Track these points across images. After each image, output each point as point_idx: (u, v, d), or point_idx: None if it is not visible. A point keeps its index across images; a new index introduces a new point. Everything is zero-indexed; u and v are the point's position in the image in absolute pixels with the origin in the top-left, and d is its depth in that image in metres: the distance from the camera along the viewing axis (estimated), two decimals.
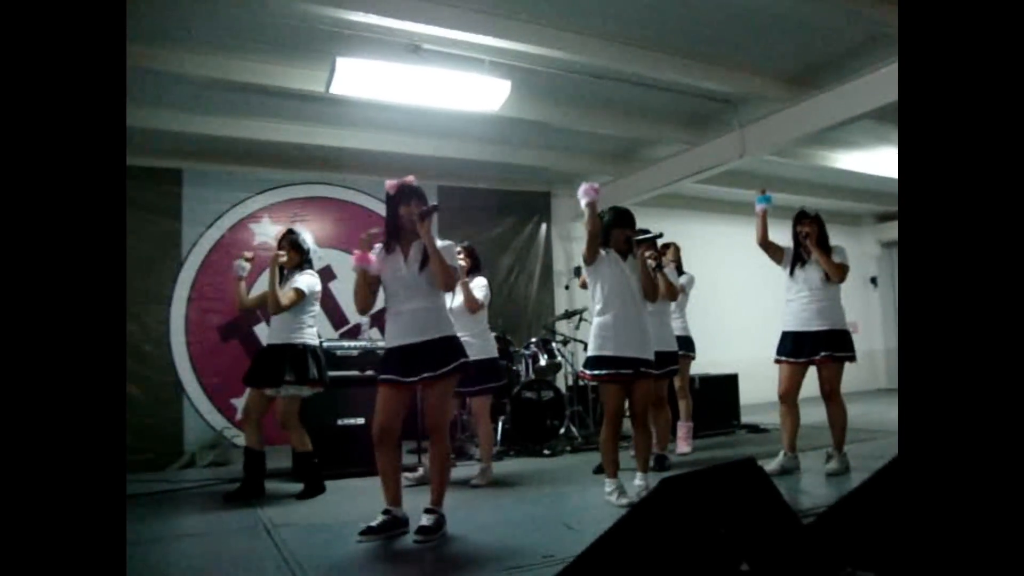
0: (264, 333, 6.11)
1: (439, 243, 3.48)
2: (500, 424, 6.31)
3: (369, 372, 5.47)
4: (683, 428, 5.91)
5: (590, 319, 4.26)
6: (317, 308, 4.79)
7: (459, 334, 3.70)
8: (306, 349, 4.60)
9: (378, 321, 6.99)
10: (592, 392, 6.92)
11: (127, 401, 6.41)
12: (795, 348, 4.65)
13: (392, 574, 3.17)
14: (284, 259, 4.61)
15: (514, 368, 6.65)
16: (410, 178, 3.60)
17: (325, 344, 5.25)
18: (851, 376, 4.89)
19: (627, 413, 4.20)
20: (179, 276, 7.04)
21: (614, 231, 4.15)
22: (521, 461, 5.85)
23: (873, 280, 12.11)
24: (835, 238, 4.81)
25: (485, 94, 5.61)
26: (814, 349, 4.58)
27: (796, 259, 4.74)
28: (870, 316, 11.91)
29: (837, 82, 5.89)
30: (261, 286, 4.91)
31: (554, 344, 6.92)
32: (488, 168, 8.25)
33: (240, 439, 6.72)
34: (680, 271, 5.94)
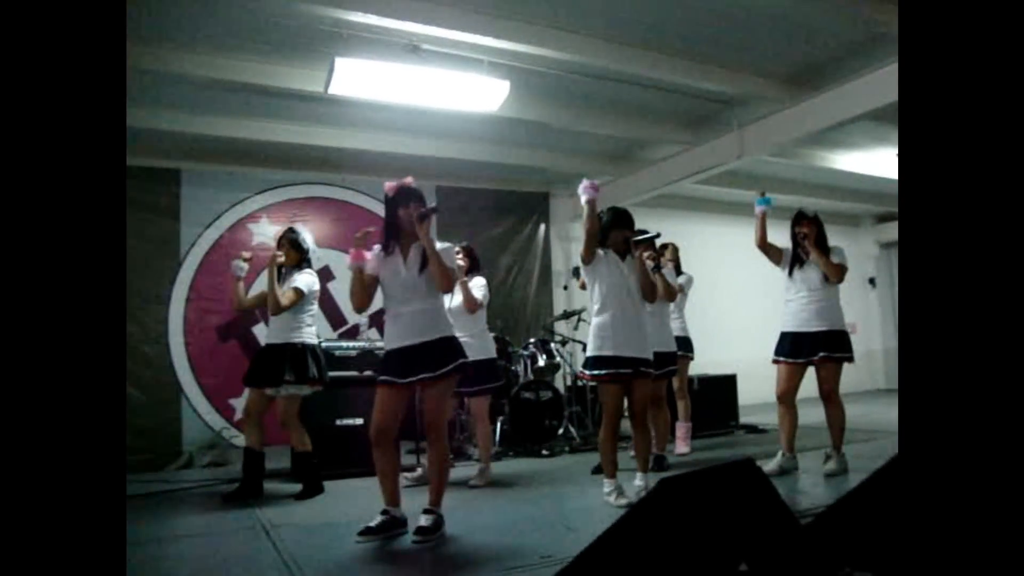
0: (263, 333, 6.11)
1: (438, 245, 3.48)
2: (499, 425, 6.32)
3: (368, 372, 5.47)
4: (682, 428, 5.91)
5: (589, 319, 4.26)
6: (316, 307, 4.79)
7: (457, 334, 3.70)
8: (305, 348, 4.61)
9: (377, 321, 6.99)
10: (591, 392, 6.92)
11: (126, 401, 6.41)
12: (793, 349, 4.65)
13: (391, 574, 3.17)
14: (282, 259, 4.61)
15: (512, 368, 6.65)
16: (409, 179, 3.59)
17: (324, 344, 5.24)
18: (849, 376, 4.89)
19: (626, 413, 4.20)
20: (177, 276, 7.03)
21: (612, 231, 4.15)
22: (520, 461, 5.85)
23: (872, 281, 12.12)
24: (834, 239, 4.81)
25: (484, 94, 5.61)
26: (812, 350, 4.58)
27: (795, 260, 4.74)
28: (869, 317, 11.93)
29: (836, 83, 5.90)
30: (259, 286, 4.91)
31: (553, 344, 6.92)
32: (487, 168, 8.25)
33: (238, 439, 6.74)
34: (679, 271, 5.94)
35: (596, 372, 4.04)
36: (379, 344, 5.18)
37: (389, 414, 3.48)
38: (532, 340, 6.93)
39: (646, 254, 4.20)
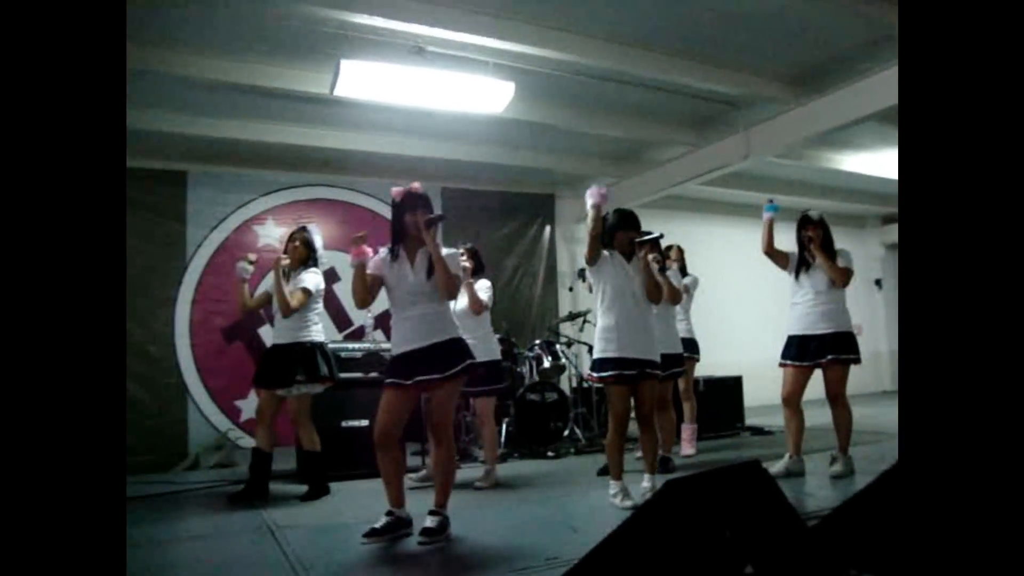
0: (268, 334, 6.11)
1: (443, 251, 3.49)
2: (504, 426, 6.31)
3: (373, 374, 5.48)
4: (687, 430, 5.90)
5: (594, 321, 4.26)
6: (321, 306, 4.81)
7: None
8: (314, 346, 4.63)
9: (382, 323, 6.99)
10: (596, 394, 6.92)
11: (132, 403, 6.43)
12: (800, 352, 4.64)
13: None
14: (286, 262, 4.62)
15: (518, 370, 6.65)
16: (416, 185, 3.60)
17: (329, 346, 5.25)
18: (856, 378, 4.88)
19: (632, 415, 4.19)
20: (183, 278, 7.05)
21: (618, 233, 4.14)
22: (525, 463, 5.85)
23: (878, 282, 12.07)
24: (839, 240, 4.80)
25: (489, 96, 5.61)
26: (819, 352, 4.57)
27: (801, 263, 4.73)
28: (874, 318, 11.89)
29: (841, 84, 5.88)
30: (264, 287, 4.92)
31: (558, 346, 6.92)
32: (492, 170, 8.25)
33: (244, 441, 6.76)
34: (684, 273, 5.94)
35: (602, 374, 4.03)
36: (385, 346, 5.18)
37: (395, 417, 3.48)
38: (537, 342, 6.92)
39: (651, 255, 4.20)
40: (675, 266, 5.74)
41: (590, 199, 3.95)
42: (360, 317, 7.21)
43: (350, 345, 5.96)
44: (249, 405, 7.01)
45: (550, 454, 6.07)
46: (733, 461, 2.36)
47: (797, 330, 4.71)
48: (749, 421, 7.34)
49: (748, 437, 7.01)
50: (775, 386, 4.84)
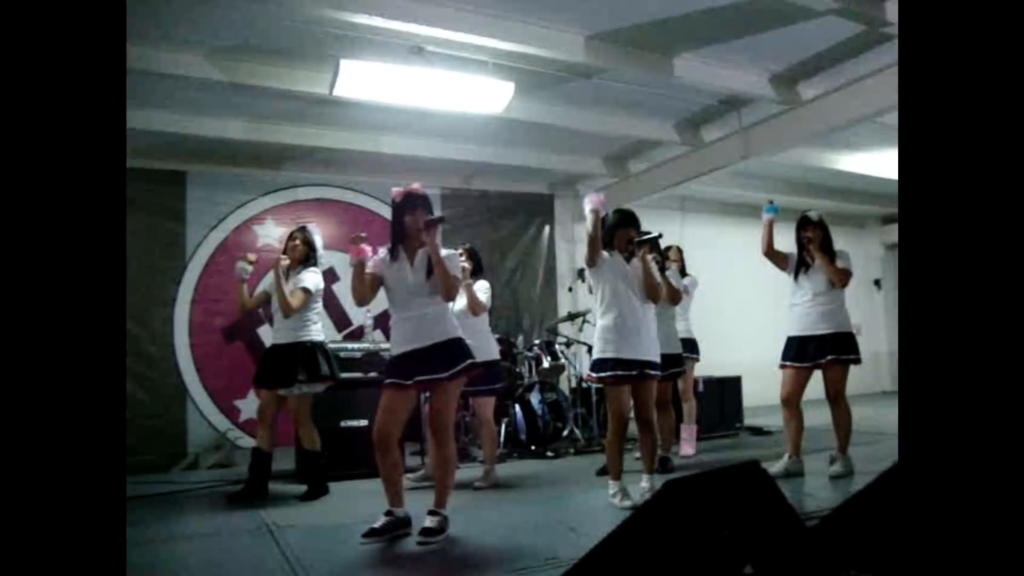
0: (268, 334, 6.12)
1: (443, 252, 3.49)
2: (503, 426, 6.31)
3: (373, 374, 5.47)
4: (687, 430, 5.90)
5: (593, 321, 4.26)
6: (320, 305, 4.82)
7: None
8: (315, 346, 4.64)
9: (381, 323, 6.99)
10: (595, 394, 6.92)
11: (131, 403, 6.42)
12: (799, 352, 4.65)
13: None
14: (286, 263, 4.62)
15: (517, 370, 6.65)
16: (416, 186, 3.60)
17: (329, 346, 5.25)
18: (855, 379, 4.88)
19: (632, 415, 4.19)
20: (183, 278, 7.04)
21: (618, 232, 4.15)
22: (524, 463, 5.85)
23: (877, 282, 12.07)
24: (839, 240, 4.81)
25: (488, 96, 5.61)
26: (819, 352, 4.57)
27: (800, 264, 4.73)
28: (874, 318, 11.88)
29: (841, 84, 5.88)
30: (262, 287, 4.92)
31: (557, 346, 6.92)
32: (491, 170, 8.24)
33: (243, 440, 6.75)
34: (683, 273, 5.94)
35: (601, 374, 4.04)
36: (384, 346, 5.18)
37: (394, 417, 3.48)
38: (537, 342, 6.93)
39: (650, 255, 4.20)
40: (674, 267, 5.74)
41: (589, 204, 3.95)
42: (359, 317, 7.21)
43: (349, 345, 5.96)
44: (248, 405, 7.00)
45: (549, 454, 6.07)
46: (732, 461, 2.36)
47: (797, 331, 4.71)
48: (748, 421, 7.35)
49: (747, 437, 7.01)
50: (774, 386, 4.84)
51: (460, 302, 4.75)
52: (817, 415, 5.23)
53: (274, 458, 4.76)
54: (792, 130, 6.52)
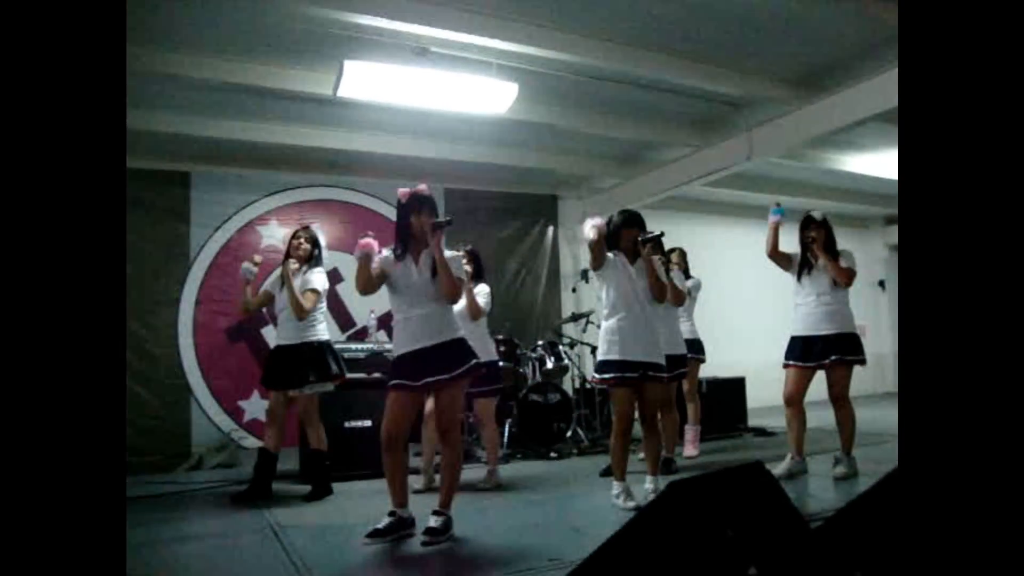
0: (271, 335, 6.13)
1: (447, 254, 3.49)
2: (507, 427, 6.31)
3: (377, 374, 5.48)
4: (691, 431, 5.90)
5: (597, 322, 4.26)
6: (325, 305, 4.83)
7: None
8: (322, 345, 4.66)
9: (385, 324, 7.00)
10: (599, 395, 6.92)
11: (135, 403, 6.44)
12: (804, 352, 4.64)
13: None
14: (295, 266, 4.62)
15: (520, 371, 6.65)
16: (422, 187, 3.61)
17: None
18: (859, 380, 4.87)
19: (636, 416, 4.19)
20: (187, 278, 7.06)
21: (623, 231, 4.14)
22: (528, 464, 5.85)
23: (881, 283, 12.04)
24: (843, 241, 4.80)
25: (492, 97, 5.61)
26: (824, 353, 4.56)
27: (804, 264, 4.73)
28: (878, 319, 11.86)
29: (845, 84, 5.87)
30: (264, 287, 4.92)
31: (561, 347, 6.92)
32: (495, 171, 8.25)
33: (247, 441, 6.77)
34: (687, 275, 5.93)
35: (604, 376, 4.04)
36: (388, 346, 5.19)
37: (401, 418, 3.48)
38: (540, 343, 6.92)
39: (655, 256, 4.19)
40: (677, 268, 5.74)
41: (591, 233, 3.90)
42: (363, 318, 7.22)
43: (353, 346, 5.97)
44: (252, 405, 7.02)
45: (553, 455, 6.07)
46: (736, 462, 2.36)
47: (801, 331, 4.70)
48: (752, 422, 7.34)
49: (751, 438, 7.00)
50: (778, 387, 4.83)
51: (459, 304, 4.75)
52: (821, 416, 5.22)
53: (279, 459, 4.77)
54: (796, 131, 6.51)
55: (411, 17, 4.68)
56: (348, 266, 7.32)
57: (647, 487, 4.10)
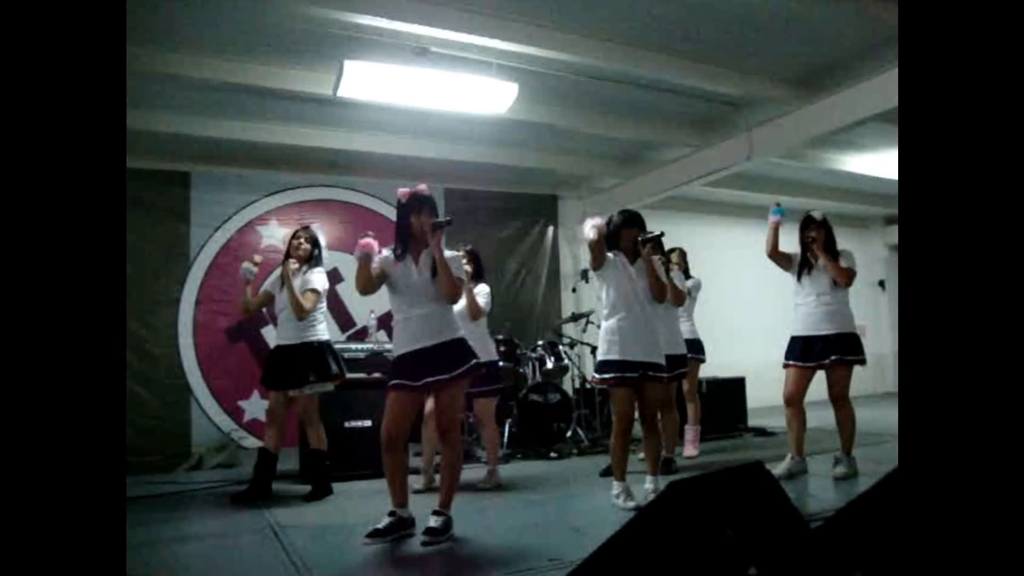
0: (271, 335, 6.13)
1: (447, 254, 3.49)
2: (507, 427, 6.31)
3: (377, 374, 5.48)
4: (690, 431, 5.90)
5: (597, 322, 4.26)
6: (325, 305, 4.83)
7: None
8: (322, 345, 4.66)
9: (385, 324, 7.00)
10: (599, 395, 6.92)
11: (135, 403, 6.45)
12: (804, 352, 4.64)
13: None
14: (295, 267, 4.62)
15: (520, 371, 6.65)
16: (422, 187, 3.61)
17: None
18: (859, 380, 4.87)
19: (636, 416, 4.19)
20: (187, 278, 7.06)
21: (623, 231, 4.14)
22: (528, 464, 5.85)
23: (881, 283, 12.04)
24: (843, 241, 4.80)
25: (492, 97, 5.61)
26: (824, 353, 4.56)
27: (804, 264, 4.73)
28: (878, 320, 11.86)
29: (845, 84, 5.87)
30: (264, 287, 4.92)
31: (561, 347, 6.92)
32: (495, 171, 8.25)
33: (247, 441, 6.76)
34: (687, 275, 5.93)
35: (604, 376, 4.04)
36: (388, 346, 5.19)
37: (401, 418, 3.48)
38: (540, 343, 6.92)
39: (655, 257, 4.19)
40: (676, 268, 5.74)
41: (591, 233, 3.91)
42: (363, 318, 7.22)
43: (353, 346, 5.97)
44: (252, 405, 7.02)
45: (553, 455, 6.07)
46: (736, 463, 2.36)
47: (801, 331, 4.70)
48: (752, 422, 7.34)
49: (751, 438, 7.00)
50: (778, 387, 4.83)
51: (459, 304, 4.75)
52: (821, 416, 5.22)
53: (279, 459, 4.77)
54: (796, 131, 6.51)
55: (411, 17, 4.68)
56: (348, 266, 7.32)
57: (647, 487, 4.10)
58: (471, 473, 5.12)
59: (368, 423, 5.18)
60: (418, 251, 3.57)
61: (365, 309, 6.82)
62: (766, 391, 7.14)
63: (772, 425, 7.17)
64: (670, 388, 5.08)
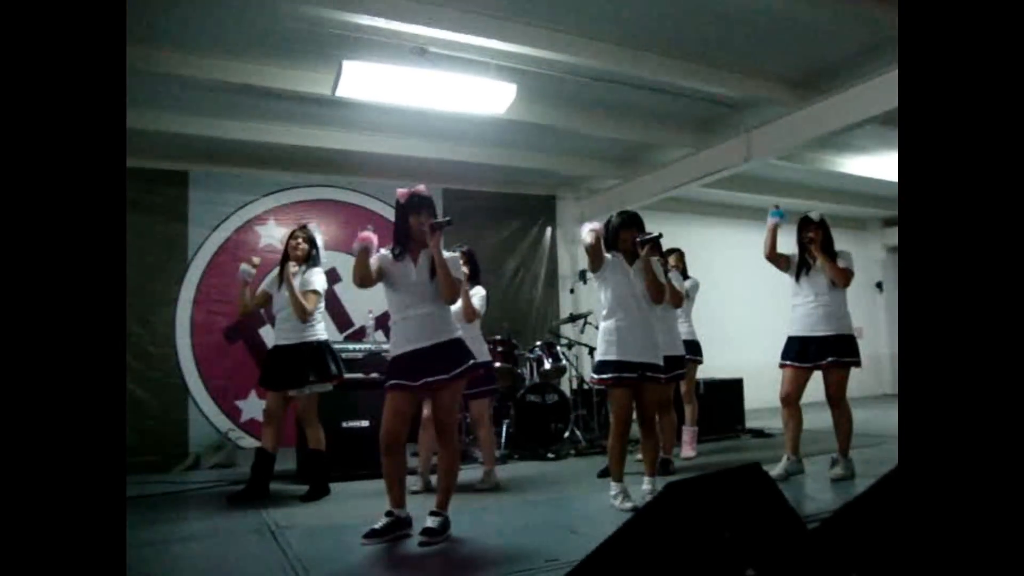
0: (269, 335, 6.12)
1: (445, 255, 3.49)
2: (504, 428, 6.31)
3: (374, 375, 5.47)
4: (688, 432, 5.90)
5: (595, 323, 4.27)
6: (323, 305, 4.82)
7: None
8: (321, 345, 4.66)
9: (383, 324, 7.00)
10: (596, 396, 6.92)
11: (132, 403, 6.44)
12: (800, 353, 4.65)
13: None
14: (295, 269, 4.61)
15: (518, 371, 6.65)
16: (421, 187, 3.61)
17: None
18: (856, 381, 4.88)
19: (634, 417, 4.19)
20: (185, 278, 7.06)
21: (622, 232, 4.14)
22: (525, 465, 5.85)
23: (879, 285, 12.06)
24: (841, 243, 4.80)
25: (491, 97, 5.61)
26: (820, 354, 4.57)
27: (802, 265, 4.73)
28: (876, 321, 11.88)
29: (843, 86, 5.88)
30: (262, 287, 4.92)
31: (559, 348, 6.92)
32: (493, 171, 8.25)
33: (245, 441, 6.76)
34: (685, 276, 5.93)
35: (602, 376, 4.04)
36: (385, 346, 5.19)
37: (400, 421, 3.48)
38: (538, 343, 6.92)
39: (653, 258, 4.20)
40: (675, 269, 5.74)
41: (588, 238, 3.93)
42: (361, 318, 7.22)
43: (351, 346, 5.96)
44: (250, 405, 7.02)
45: (550, 456, 6.07)
46: (734, 464, 2.36)
47: (798, 331, 4.71)
48: (749, 424, 7.34)
49: (748, 440, 7.01)
50: (776, 388, 4.84)
51: (455, 305, 4.75)
52: (818, 417, 5.23)
53: (276, 459, 4.76)
54: (795, 133, 6.51)
55: (410, 17, 4.68)
56: (346, 266, 7.28)
57: (645, 488, 4.10)
58: (468, 474, 5.12)
59: (366, 423, 5.18)
60: (417, 251, 3.57)
61: (363, 309, 6.82)
62: (764, 392, 7.14)
63: (770, 426, 7.17)
64: (668, 389, 5.09)
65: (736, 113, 6.83)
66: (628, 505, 3.93)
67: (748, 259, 6.98)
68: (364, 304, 6.58)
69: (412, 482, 4.84)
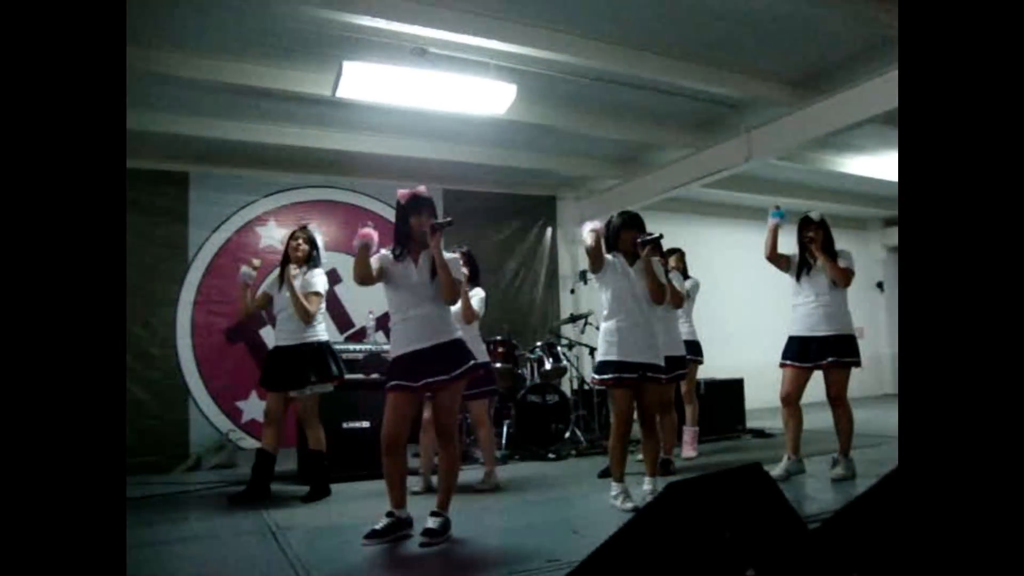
0: (270, 335, 6.11)
1: (445, 256, 3.49)
2: (505, 428, 6.31)
3: (375, 375, 5.47)
4: (688, 432, 5.90)
5: (596, 324, 4.26)
6: (324, 305, 4.82)
7: None
8: (321, 346, 4.67)
9: (383, 324, 7.00)
10: (597, 396, 6.92)
11: (133, 404, 6.44)
12: (800, 352, 4.65)
13: None
14: (296, 271, 4.61)
15: (519, 372, 6.65)
16: (422, 188, 3.61)
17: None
18: (857, 381, 4.88)
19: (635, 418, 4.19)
20: (185, 279, 7.06)
21: (623, 232, 4.15)
22: (526, 465, 5.85)
23: (879, 285, 12.05)
24: (841, 243, 4.80)
25: (491, 98, 5.61)
26: (820, 354, 4.57)
27: (802, 265, 4.73)
28: (876, 321, 11.87)
29: (843, 86, 5.88)
30: (263, 288, 4.92)
31: (559, 348, 6.92)
32: (493, 172, 8.25)
33: (245, 441, 6.76)
34: (685, 276, 5.94)
35: (603, 376, 4.05)
36: (386, 347, 5.19)
37: (401, 422, 3.48)
38: (539, 344, 6.92)
39: (654, 259, 4.20)
40: (675, 269, 5.74)
41: (589, 239, 3.93)
42: (362, 319, 7.21)
43: (352, 347, 5.96)
44: (250, 406, 7.02)
45: (551, 456, 6.07)
46: (734, 464, 2.36)
47: (798, 331, 4.71)
48: (750, 424, 7.34)
49: (749, 440, 7.00)
50: (776, 388, 4.84)
51: (455, 306, 4.75)
52: (819, 417, 5.22)
53: (276, 459, 4.76)
54: (795, 133, 6.51)
55: (410, 18, 4.68)
56: (346, 267, 7.27)
57: (645, 488, 4.10)
58: (469, 474, 5.12)
59: (366, 424, 5.18)
60: (417, 252, 3.57)
61: (364, 310, 6.82)
62: (764, 392, 7.13)
63: (770, 426, 7.17)
64: (669, 389, 5.09)
65: (736, 113, 6.83)
66: (629, 505, 3.92)
67: (748, 259, 6.98)
68: (365, 305, 6.57)
69: (413, 483, 4.84)
